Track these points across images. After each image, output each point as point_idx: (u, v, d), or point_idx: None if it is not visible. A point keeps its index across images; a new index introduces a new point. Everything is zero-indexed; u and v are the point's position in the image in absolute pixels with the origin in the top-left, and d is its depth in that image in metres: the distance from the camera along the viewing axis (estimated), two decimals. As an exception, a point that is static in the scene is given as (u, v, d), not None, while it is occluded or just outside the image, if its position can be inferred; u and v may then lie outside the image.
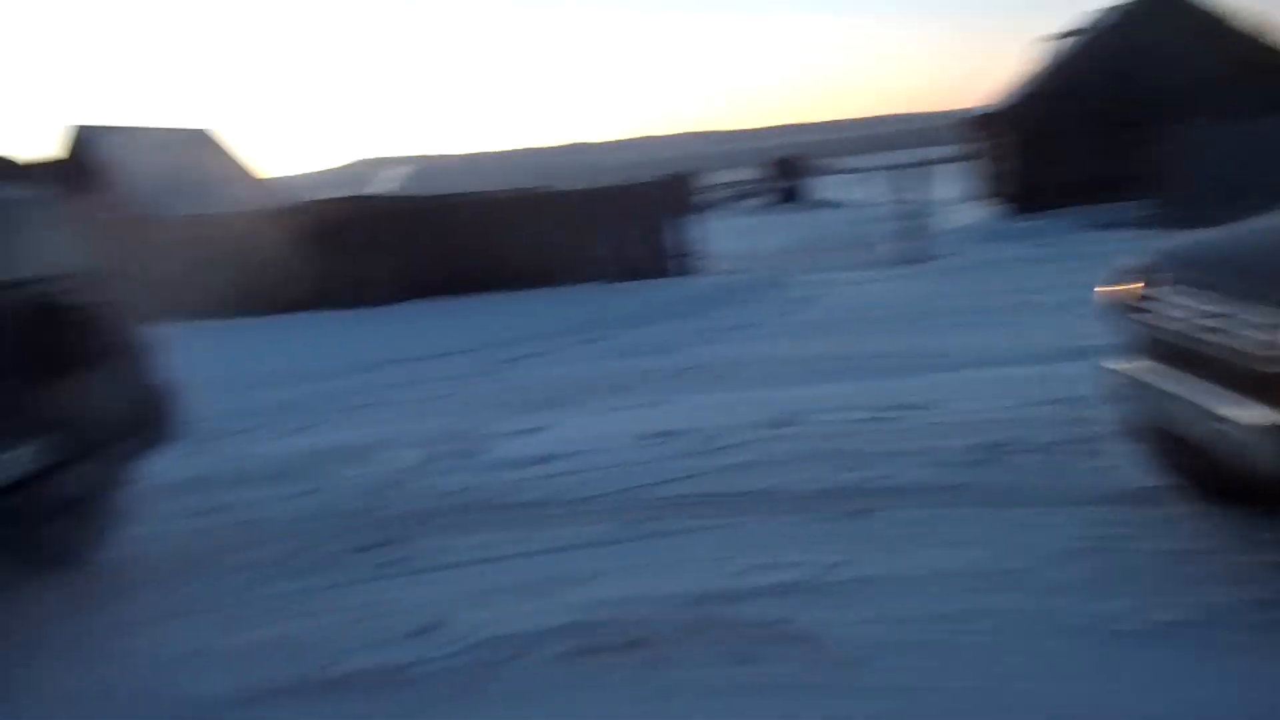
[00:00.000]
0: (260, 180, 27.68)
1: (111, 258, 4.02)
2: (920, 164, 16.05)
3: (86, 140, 23.11)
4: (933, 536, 3.50)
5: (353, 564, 3.92)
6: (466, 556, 3.89)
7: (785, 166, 32.06)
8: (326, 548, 4.10)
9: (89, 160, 22.53)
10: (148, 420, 3.95)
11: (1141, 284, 3.34)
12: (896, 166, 16.67)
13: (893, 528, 3.63)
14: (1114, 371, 3.56)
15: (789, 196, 30.19)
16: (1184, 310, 3.04)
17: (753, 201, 31.85)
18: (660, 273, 13.26)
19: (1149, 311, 3.27)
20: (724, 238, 16.12)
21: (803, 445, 4.76)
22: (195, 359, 9.19)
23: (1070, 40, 19.51)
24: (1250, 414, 2.56)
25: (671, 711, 2.61)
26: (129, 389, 3.85)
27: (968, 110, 22.65)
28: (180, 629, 3.43)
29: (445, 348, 9.46)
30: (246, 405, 7.36)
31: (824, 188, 30.89)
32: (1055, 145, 17.37)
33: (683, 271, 13.40)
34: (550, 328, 10.06)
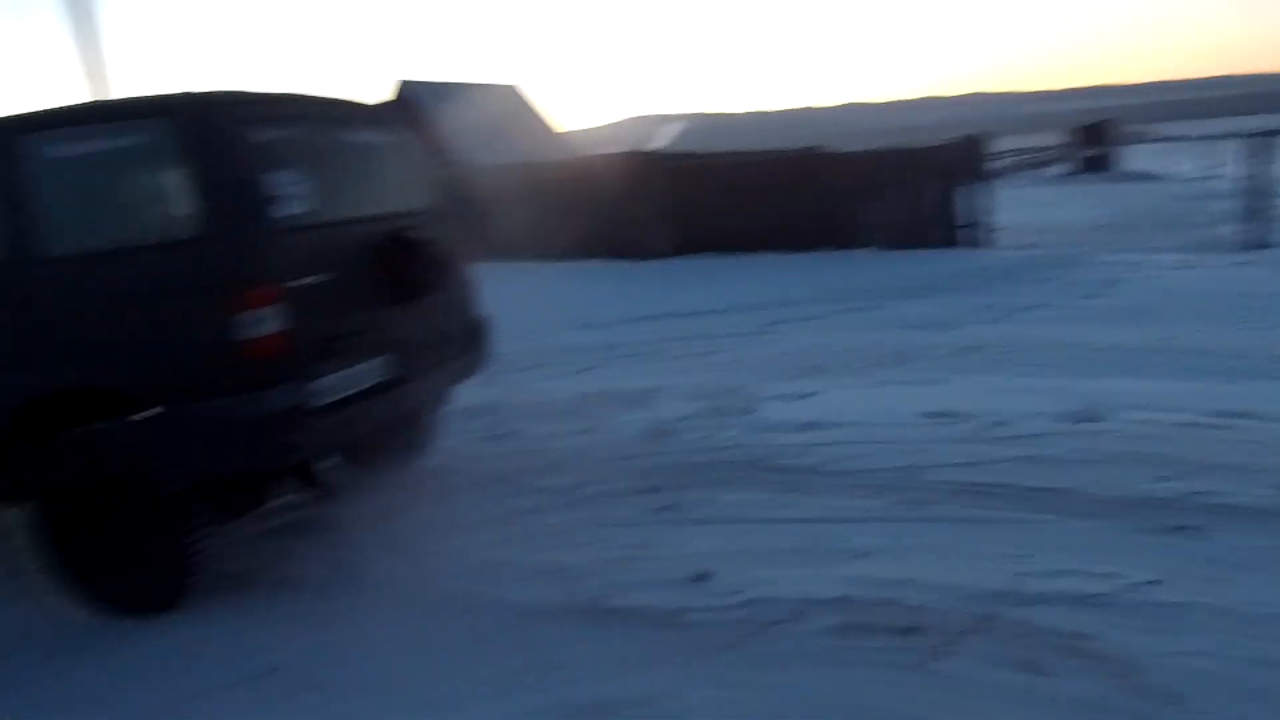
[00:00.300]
0: (558, 134, 29.55)
1: (445, 199, 4.44)
2: (1266, 134, 13.63)
3: (410, 94, 25.86)
4: (1277, 570, 3.02)
5: (627, 504, 4.10)
6: (734, 513, 3.94)
7: (1091, 132, 28.79)
8: (603, 486, 4.33)
9: (413, 111, 25.18)
10: (468, 349, 4.35)
11: None
12: (1233, 136, 14.32)
13: (1223, 552, 3.17)
14: None
15: (1094, 166, 27.12)
16: None
17: (1052, 170, 29.05)
18: (943, 242, 12.49)
19: None
20: (1017, 209, 14.86)
21: (1110, 445, 4.29)
22: (493, 298, 10.10)
23: None
24: None
25: (949, 707, 2.48)
26: (457, 319, 4.26)
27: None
28: (479, 539, 3.78)
29: (716, 305, 9.57)
30: (533, 345, 7.92)
31: (1137, 158, 27.43)
32: None
33: (968, 243, 12.53)
34: (823, 292, 9.84)
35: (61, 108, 3.42)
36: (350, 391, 3.50)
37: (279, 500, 3.61)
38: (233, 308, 3.09)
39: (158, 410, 3.17)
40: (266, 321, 3.15)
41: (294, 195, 3.39)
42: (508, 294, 9.87)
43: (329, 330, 3.42)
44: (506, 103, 27.49)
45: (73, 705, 2.78)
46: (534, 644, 2.96)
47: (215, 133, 3.20)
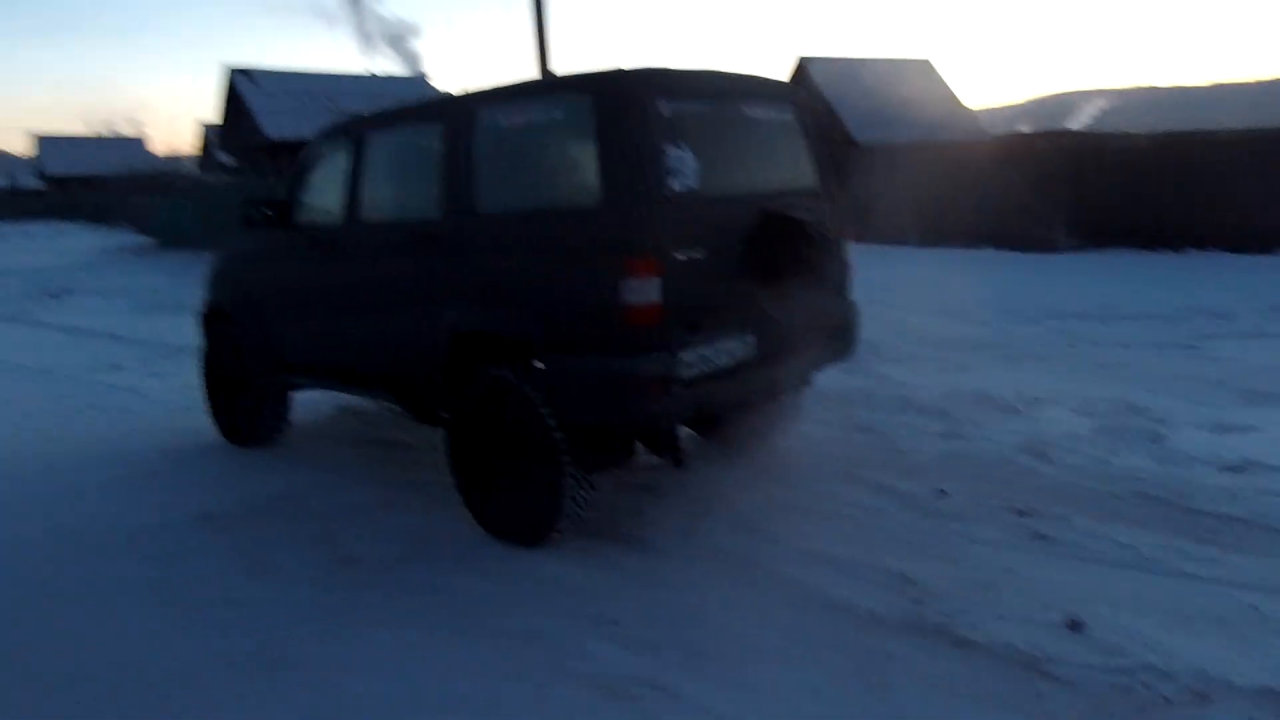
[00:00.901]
0: (968, 111, 27.85)
1: (830, 178, 4.30)
2: None
3: (808, 70, 25.87)
4: None
5: (993, 522, 3.69)
6: (1126, 556, 3.36)
7: None
8: (967, 498, 3.94)
9: (810, 88, 25.22)
10: (836, 336, 4.21)
11: None
12: None
13: None
14: None
15: None
16: None
17: None
18: None
19: None
20: None
21: None
22: (870, 280, 9.73)
23: None
24: None
25: None
26: (828, 304, 4.13)
27: None
28: (823, 530, 3.65)
29: (1128, 308, 8.31)
30: (906, 334, 7.51)
31: None
32: None
33: None
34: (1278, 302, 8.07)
35: (507, 84, 3.86)
36: (714, 366, 3.54)
37: (636, 460, 3.79)
38: (621, 274, 3.26)
39: (548, 359, 3.47)
40: (649, 290, 3.28)
41: (692, 169, 3.48)
42: (887, 277, 9.50)
43: (702, 303, 3.48)
44: (915, 79, 26.35)
45: (446, 614, 3.16)
46: (868, 655, 2.77)
47: (627, 108, 3.37)
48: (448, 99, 4.12)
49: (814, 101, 24.27)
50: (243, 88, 30.83)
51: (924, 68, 27.97)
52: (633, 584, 3.31)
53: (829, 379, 5.29)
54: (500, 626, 3.05)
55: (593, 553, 3.59)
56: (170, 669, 2.87)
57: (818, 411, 5.32)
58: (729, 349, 3.61)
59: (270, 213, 4.77)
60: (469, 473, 3.83)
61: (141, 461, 5.03)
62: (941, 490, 4.03)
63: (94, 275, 15.99)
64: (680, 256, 3.38)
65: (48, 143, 51.67)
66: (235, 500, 4.30)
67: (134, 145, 55.19)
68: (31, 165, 53.72)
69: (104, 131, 58.87)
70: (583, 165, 3.50)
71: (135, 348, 8.81)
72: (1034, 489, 4.02)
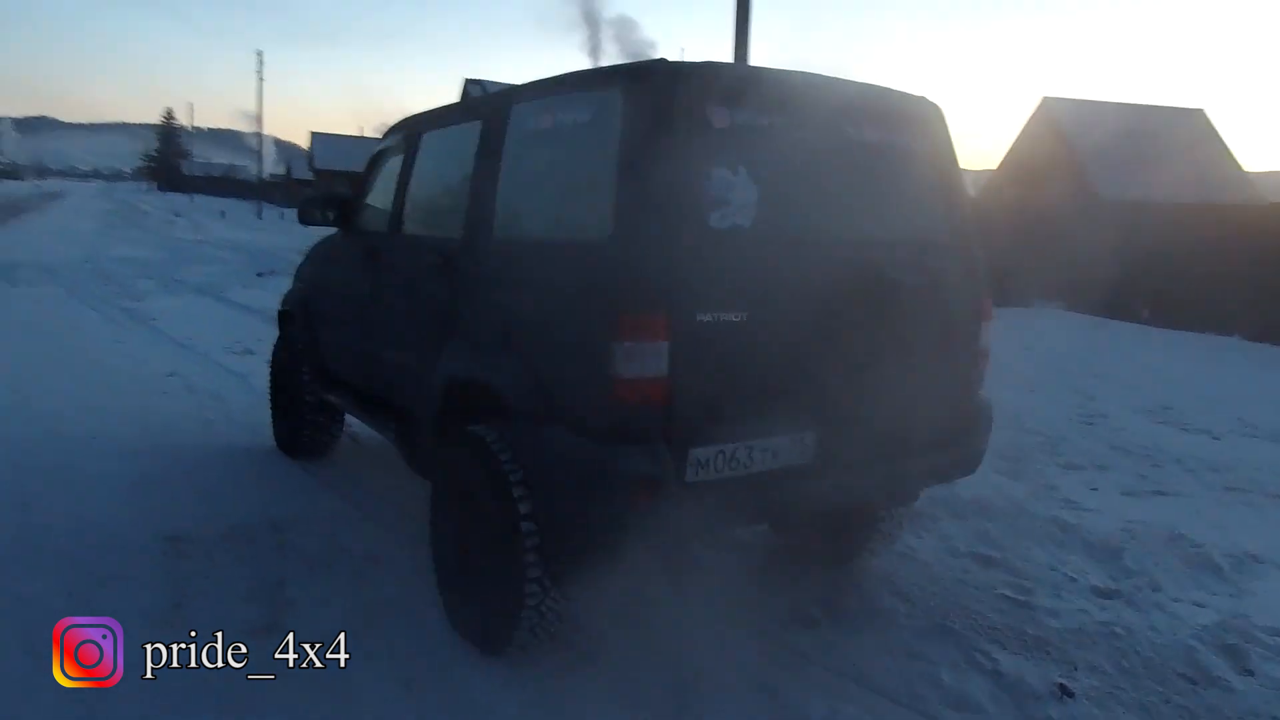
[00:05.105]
0: (1242, 173, 24.24)
1: (970, 231, 3.17)
2: None
3: (1050, 110, 23.31)
4: None
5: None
6: None
7: None
8: (1101, 705, 2.76)
9: (1049, 130, 22.75)
10: (955, 443, 3.13)
11: None
12: None
13: None
14: None
15: None
16: None
17: None
18: None
19: None
20: None
21: None
22: (1070, 355, 8.14)
23: None
24: None
25: None
26: (947, 399, 3.07)
27: None
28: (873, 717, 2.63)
29: None
30: (1093, 430, 6.04)
31: None
32: None
33: None
34: None
35: (540, 79, 3.15)
36: (745, 470, 2.60)
37: (629, 571, 2.90)
38: (614, 335, 2.44)
39: (524, 427, 2.71)
40: (651, 359, 2.43)
41: (747, 203, 2.60)
42: (1100, 357, 7.88)
43: (737, 384, 2.56)
44: (1182, 131, 23.13)
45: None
46: None
47: (663, 112, 2.55)
48: (495, 94, 3.46)
49: (1053, 146, 21.84)
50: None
51: (1195, 119, 24.45)
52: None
53: (971, 479, 4.13)
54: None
55: (559, 680, 2.77)
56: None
57: (941, 521, 4.19)
58: (773, 449, 2.66)
59: (331, 214, 4.35)
60: (441, 545, 3.14)
61: (178, 459, 4.77)
62: (1063, 686, 2.84)
63: (305, 258, 17.10)
64: (705, 318, 2.50)
65: (319, 138, 57.62)
66: (223, 521, 3.86)
67: (395, 144, 60.18)
68: (305, 158, 60.07)
69: (372, 132, 64.76)
70: (601, 185, 2.68)
71: (281, 333, 8.97)
72: (1208, 712, 2.74)
